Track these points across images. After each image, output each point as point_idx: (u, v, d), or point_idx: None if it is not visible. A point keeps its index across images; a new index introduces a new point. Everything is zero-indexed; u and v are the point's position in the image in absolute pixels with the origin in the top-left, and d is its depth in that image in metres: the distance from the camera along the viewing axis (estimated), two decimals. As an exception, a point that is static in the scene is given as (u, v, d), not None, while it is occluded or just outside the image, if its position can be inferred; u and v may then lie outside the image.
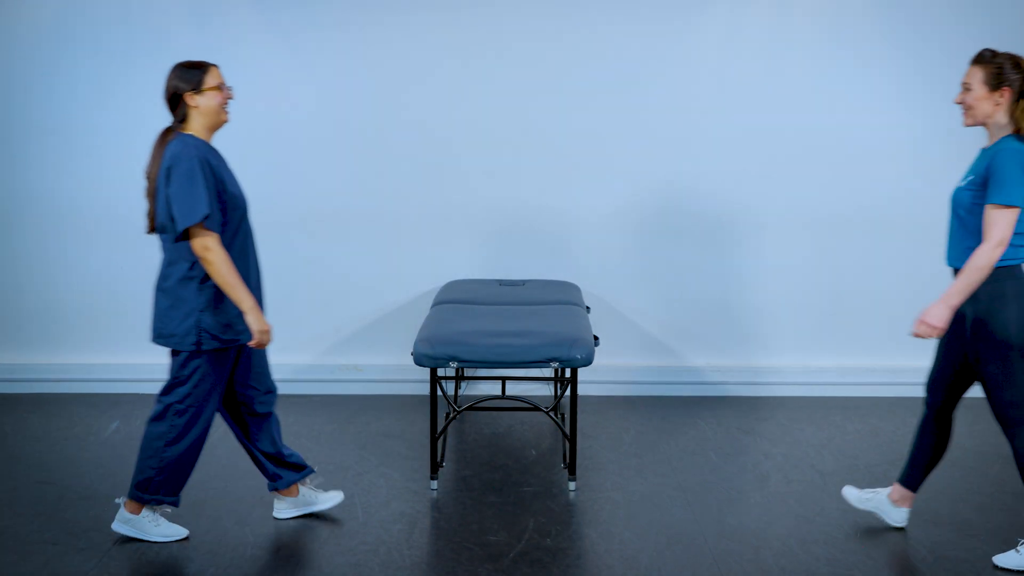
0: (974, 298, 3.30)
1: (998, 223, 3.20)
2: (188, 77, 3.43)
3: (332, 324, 5.41)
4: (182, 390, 3.46)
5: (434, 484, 4.09)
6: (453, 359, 3.93)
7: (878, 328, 5.42)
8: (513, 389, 5.24)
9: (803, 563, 3.47)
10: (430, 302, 5.10)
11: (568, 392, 4.18)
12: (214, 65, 3.48)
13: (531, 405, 4.18)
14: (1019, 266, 3.31)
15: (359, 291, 5.38)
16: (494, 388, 5.31)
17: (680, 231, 5.33)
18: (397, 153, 5.30)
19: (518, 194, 5.29)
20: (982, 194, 3.27)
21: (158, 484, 3.50)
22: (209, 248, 3.31)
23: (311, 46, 5.21)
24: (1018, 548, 3.44)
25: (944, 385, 3.53)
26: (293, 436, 4.69)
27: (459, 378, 5.09)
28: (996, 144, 3.30)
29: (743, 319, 5.39)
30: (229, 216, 3.42)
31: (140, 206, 5.30)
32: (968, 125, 3.39)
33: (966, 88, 3.34)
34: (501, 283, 5.08)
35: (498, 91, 5.24)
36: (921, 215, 5.33)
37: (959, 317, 3.37)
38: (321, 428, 4.82)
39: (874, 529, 3.73)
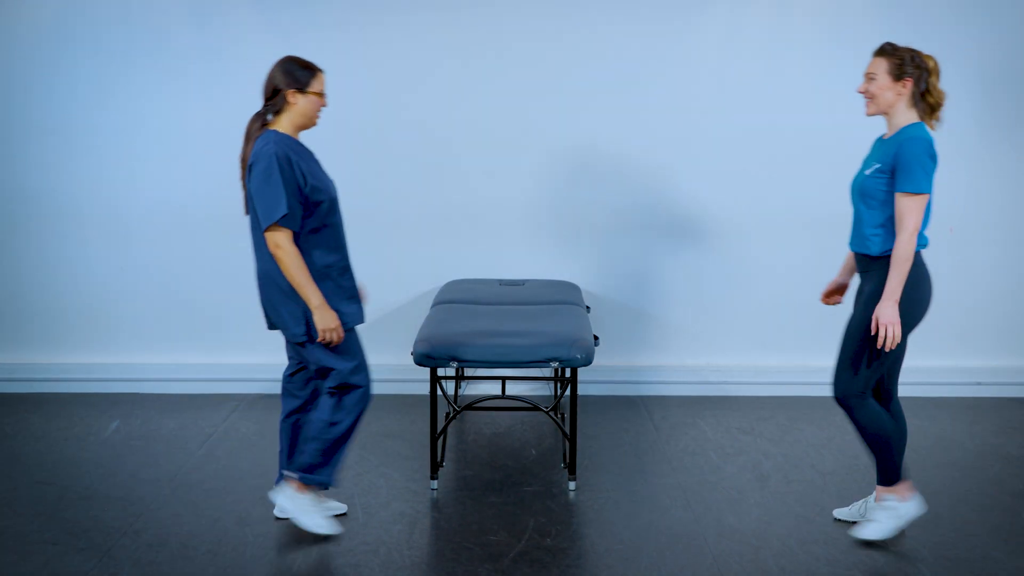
0: (868, 281, 3.49)
1: (911, 212, 3.34)
2: (298, 76, 3.48)
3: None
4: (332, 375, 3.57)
5: (434, 484, 4.09)
6: (453, 359, 3.93)
7: (878, 328, 5.42)
8: (513, 389, 5.24)
9: (803, 563, 3.48)
10: (430, 302, 5.11)
11: (568, 392, 4.18)
12: (322, 71, 3.54)
13: (531, 405, 4.18)
14: (918, 254, 3.45)
15: (359, 291, 5.38)
16: (494, 388, 5.31)
17: (680, 231, 5.33)
18: (397, 153, 5.30)
19: (518, 194, 5.29)
20: (888, 181, 3.40)
21: (318, 466, 3.58)
22: (280, 246, 3.38)
23: (311, 46, 5.20)
24: (874, 518, 3.59)
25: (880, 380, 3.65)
26: (293, 436, 4.70)
27: (459, 378, 5.09)
28: (900, 133, 3.42)
29: (743, 319, 5.39)
30: (313, 208, 3.45)
31: (139, 206, 5.32)
32: (870, 115, 3.51)
33: (870, 78, 3.46)
34: (501, 283, 5.08)
35: (498, 91, 5.24)
36: (921, 215, 5.34)
37: (859, 292, 3.56)
38: (321, 428, 4.82)
39: (874, 529, 3.74)
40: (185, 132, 5.24)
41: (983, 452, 4.56)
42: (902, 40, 5.16)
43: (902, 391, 5.34)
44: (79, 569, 3.39)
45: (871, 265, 3.52)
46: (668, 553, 3.55)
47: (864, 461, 4.42)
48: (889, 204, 3.43)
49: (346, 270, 3.62)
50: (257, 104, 5.20)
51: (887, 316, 3.36)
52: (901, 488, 3.62)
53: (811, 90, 5.25)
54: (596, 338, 4.23)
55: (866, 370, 3.51)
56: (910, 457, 4.49)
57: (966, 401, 5.33)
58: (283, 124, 3.51)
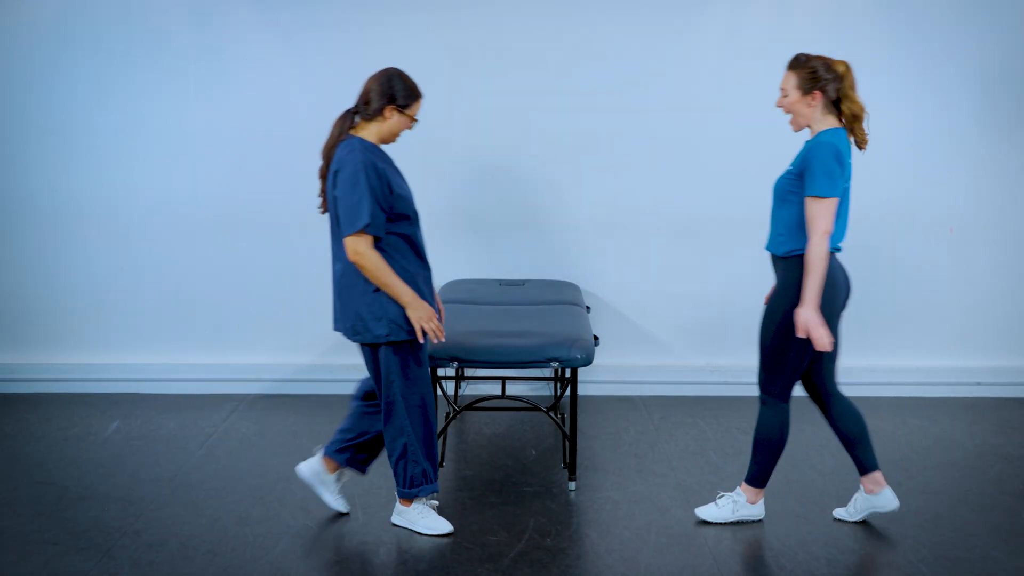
0: (779, 277, 3.52)
1: (821, 215, 3.35)
2: (401, 95, 3.50)
3: (332, 324, 5.40)
4: (392, 385, 3.55)
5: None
6: (453, 359, 3.93)
7: (878, 328, 5.42)
8: (513, 389, 5.24)
9: (803, 563, 3.48)
10: (430, 302, 5.10)
11: (568, 392, 4.18)
12: (422, 96, 3.57)
13: (531, 405, 4.18)
14: (831, 255, 3.47)
15: (359, 291, 5.38)
16: (494, 388, 5.31)
17: (680, 231, 5.33)
18: (397, 153, 5.27)
19: (518, 194, 5.29)
20: (798, 184, 3.42)
21: (413, 477, 3.60)
22: (360, 253, 3.38)
23: (311, 46, 5.21)
24: (716, 501, 3.75)
25: (807, 379, 3.74)
26: (292, 436, 4.70)
27: (459, 378, 5.09)
28: (813, 138, 3.44)
29: (743, 319, 5.37)
30: (397, 217, 3.46)
31: (139, 206, 5.33)
32: (797, 130, 3.53)
33: (783, 93, 3.47)
34: (501, 283, 5.08)
35: (498, 91, 5.24)
36: (921, 215, 5.34)
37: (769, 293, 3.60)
38: (321, 428, 4.82)
39: (874, 529, 3.74)
40: (185, 132, 5.24)
41: (983, 452, 4.56)
42: (902, 40, 5.22)
43: (903, 391, 5.39)
44: (79, 569, 3.38)
45: (777, 265, 3.58)
46: (668, 553, 3.55)
47: (864, 461, 4.42)
48: (796, 205, 3.45)
49: (428, 280, 3.60)
50: (258, 103, 5.24)
51: (804, 319, 3.39)
52: (754, 491, 3.72)
53: (811, 90, 5.25)
54: (596, 338, 4.23)
55: (777, 369, 3.56)
56: (911, 457, 4.49)
57: (966, 401, 5.33)
58: (370, 132, 3.51)
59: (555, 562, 3.47)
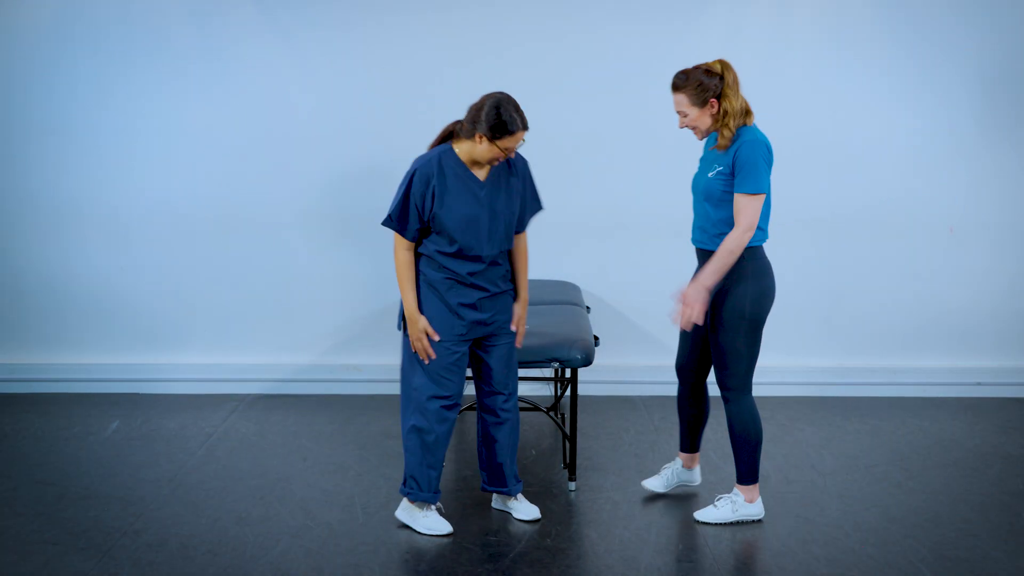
0: (725, 276, 3.58)
1: (747, 210, 3.50)
2: (491, 127, 3.49)
3: (332, 324, 5.42)
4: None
5: (434, 484, 4.09)
6: (453, 359, 3.92)
7: (878, 328, 5.42)
8: (513, 389, 5.24)
9: (803, 563, 3.48)
10: (430, 302, 5.10)
11: (568, 392, 4.17)
12: (521, 130, 3.54)
13: (531, 405, 4.18)
14: (759, 248, 3.62)
15: (359, 291, 5.38)
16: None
17: (680, 231, 5.30)
18: (397, 153, 5.28)
19: (518, 194, 5.29)
20: (731, 182, 3.55)
21: (406, 478, 3.68)
22: (395, 248, 3.61)
23: (311, 46, 5.21)
24: (716, 503, 3.79)
25: (694, 362, 3.84)
26: (292, 436, 4.70)
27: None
28: (737, 137, 3.57)
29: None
30: (438, 233, 3.57)
31: (139, 206, 5.32)
32: (703, 139, 3.69)
33: (682, 115, 3.61)
34: (501, 283, 5.07)
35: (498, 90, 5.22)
36: (921, 215, 5.34)
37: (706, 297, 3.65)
38: (321, 428, 4.82)
39: (874, 529, 3.74)
40: (185, 132, 5.24)
41: (983, 452, 4.56)
42: (903, 40, 5.22)
43: (902, 391, 5.39)
44: (79, 569, 3.38)
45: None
46: (668, 553, 3.55)
47: (864, 461, 4.42)
48: (732, 203, 3.57)
49: (454, 286, 3.59)
50: (258, 103, 5.24)
51: (692, 298, 3.51)
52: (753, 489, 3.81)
53: (811, 90, 5.25)
54: (596, 338, 4.23)
55: (739, 362, 3.63)
56: (911, 457, 4.49)
57: (966, 401, 5.33)
58: (463, 148, 3.59)
59: (555, 562, 3.47)
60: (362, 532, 3.69)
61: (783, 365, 5.42)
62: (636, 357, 5.43)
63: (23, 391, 5.32)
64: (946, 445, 4.65)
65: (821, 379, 5.42)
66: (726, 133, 3.56)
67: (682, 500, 3.98)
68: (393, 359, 5.34)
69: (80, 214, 5.28)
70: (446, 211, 3.52)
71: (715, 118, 3.58)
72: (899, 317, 5.43)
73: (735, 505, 3.77)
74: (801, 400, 5.32)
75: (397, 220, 3.55)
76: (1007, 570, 3.44)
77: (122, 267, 5.32)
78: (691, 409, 3.92)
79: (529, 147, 5.27)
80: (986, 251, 5.37)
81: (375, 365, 5.41)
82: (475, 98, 5.25)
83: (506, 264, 3.70)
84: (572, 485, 4.08)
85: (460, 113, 5.28)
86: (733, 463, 3.97)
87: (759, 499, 3.80)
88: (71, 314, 5.36)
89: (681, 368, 3.90)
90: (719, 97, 3.56)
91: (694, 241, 3.74)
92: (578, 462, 4.34)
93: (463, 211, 3.54)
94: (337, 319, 5.41)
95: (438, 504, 3.75)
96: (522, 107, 5.43)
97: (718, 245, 3.58)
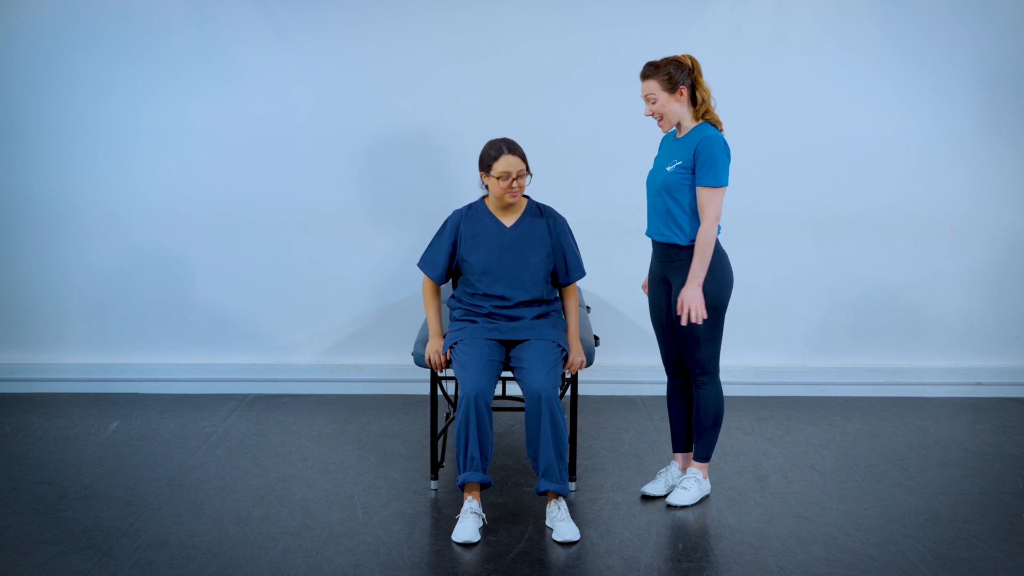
0: (679, 270, 3.77)
1: (712, 203, 3.66)
2: (484, 159, 3.87)
3: (332, 324, 5.42)
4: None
5: (434, 484, 4.09)
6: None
7: (878, 328, 5.42)
8: (513, 389, 5.24)
9: (803, 563, 3.48)
10: (430, 302, 5.10)
11: (568, 392, 4.18)
12: (510, 155, 3.82)
13: (531, 405, 4.18)
14: (715, 240, 3.73)
15: (359, 291, 5.38)
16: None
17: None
18: (397, 153, 5.30)
19: (518, 194, 5.29)
20: (691, 176, 3.70)
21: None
22: (422, 287, 4.03)
23: (311, 46, 5.21)
24: (683, 485, 3.93)
25: (679, 352, 3.96)
26: (293, 436, 4.70)
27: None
28: (694, 132, 3.73)
29: (743, 319, 5.38)
30: (464, 276, 3.97)
31: (139, 206, 5.32)
32: (667, 130, 3.83)
33: (650, 100, 3.76)
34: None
35: (498, 91, 5.24)
36: (921, 215, 5.34)
37: (667, 289, 3.89)
38: (321, 428, 4.82)
39: (874, 529, 3.74)
40: (185, 132, 5.24)
41: (983, 452, 4.56)
42: (904, 40, 5.22)
43: (902, 391, 5.39)
44: (79, 569, 3.38)
45: (678, 254, 3.78)
46: (668, 553, 3.55)
47: (864, 461, 4.42)
48: (693, 196, 3.72)
49: (480, 326, 3.91)
50: (258, 103, 5.24)
51: (691, 299, 3.67)
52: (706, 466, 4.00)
53: (812, 91, 5.25)
54: (596, 338, 4.23)
55: (713, 347, 3.81)
56: (911, 457, 4.49)
57: (966, 401, 5.33)
58: (489, 197, 3.95)
59: (555, 562, 3.47)
60: (362, 532, 3.69)
61: (783, 365, 5.43)
62: (636, 357, 5.43)
63: (23, 391, 5.32)
64: (946, 445, 4.65)
65: (821, 379, 5.42)
66: (699, 118, 3.76)
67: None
68: (394, 359, 5.36)
69: (80, 214, 5.28)
70: (471, 255, 3.90)
71: (682, 107, 3.74)
72: (899, 317, 5.43)
73: (699, 483, 3.96)
74: (801, 400, 5.32)
75: (425, 261, 3.98)
76: (1007, 570, 3.44)
77: (122, 267, 5.32)
78: (682, 400, 4.04)
79: (529, 147, 5.29)
80: (986, 251, 5.38)
81: (375, 365, 5.41)
82: (474, 97, 5.30)
83: (537, 307, 3.95)
84: (572, 485, 4.08)
85: (460, 112, 5.32)
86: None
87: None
88: (71, 314, 5.37)
89: (668, 359, 4.02)
90: (692, 86, 3.74)
91: (651, 234, 3.89)
92: (578, 462, 4.34)
93: (486, 248, 3.89)
94: (337, 319, 5.41)
95: (479, 511, 3.74)
96: (522, 107, 5.46)
97: (676, 237, 3.75)
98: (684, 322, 3.69)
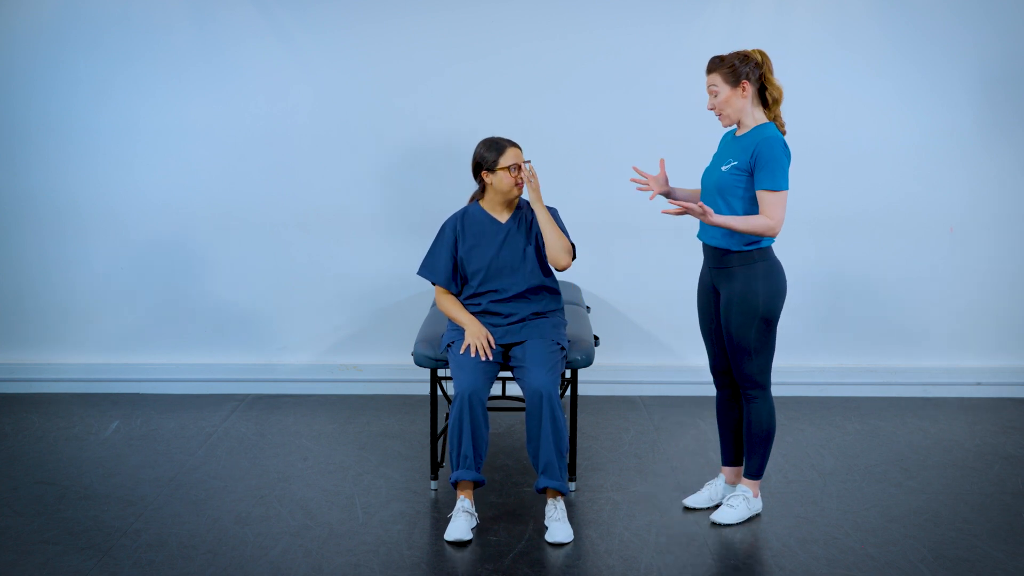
0: (729, 277, 3.63)
1: (776, 206, 3.52)
2: (484, 158, 3.90)
3: (332, 324, 5.42)
4: None
5: (434, 484, 4.09)
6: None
7: (878, 328, 5.42)
8: (513, 389, 5.24)
9: (803, 563, 3.48)
10: (430, 302, 5.10)
11: (568, 392, 4.18)
12: (513, 145, 3.89)
13: (531, 405, 4.18)
14: (770, 248, 3.64)
15: (359, 291, 5.38)
16: (494, 388, 5.30)
17: (681, 230, 5.33)
18: (397, 153, 5.30)
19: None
20: (747, 179, 3.57)
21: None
22: (435, 298, 4.06)
23: (311, 46, 5.21)
24: (729, 503, 3.79)
25: (726, 362, 3.84)
26: (293, 436, 4.70)
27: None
28: (754, 133, 3.59)
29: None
30: (468, 279, 3.99)
31: (139, 206, 5.32)
32: (727, 126, 3.68)
33: (713, 94, 3.62)
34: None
35: (498, 91, 5.24)
36: (922, 216, 5.34)
37: (716, 298, 3.74)
38: (321, 428, 4.82)
39: (874, 529, 3.74)
40: (185, 132, 5.24)
41: (983, 452, 4.56)
42: (904, 41, 5.22)
43: (902, 391, 5.39)
44: (79, 569, 3.38)
45: (730, 260, 3.64)
46: (668, 553, 3.55)
47: (864, 461, 4.42)
48: (747, 200, 3.59)
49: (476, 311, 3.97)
50: (258, 103, 5.24)
51: (711, 215, 3.47)
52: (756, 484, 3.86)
53: (812, 91, 5.25)
54: (596, 338, 4.23)
55: (765, 359, 3.68)
56: (911, 457, 4.49)
57: (966, 401, 5.33)
58: (486, 200, 3.98)
59: (555, 562, 3.47)
60: (362, 532, 3.69)
61: (783, 365, 5.42)
62: (636, 357, 5.43)
63: (23, 391, 5.32)
64: (946, 445, 4.65)
65: (821, 379, 5.42)
66: (771, 118, 3.62)
67: (681, 500, 3.98)
68: (394, 359, 5.36)
69: (80, 214, 5.28)
70: (469, 258, 3.93)
71: (744, 102, 3.59)
72: (899, 317, 5.43)
73: (748, 502, 3.80)
74: (801, 400, 5.32)
75: (425, 268, 4.01)
76: (1007, 570, 3.44)
77: (122, 267, 5.32)
78: (732, 412, 3.89)
79: (530, 147, 5.30)
80: (986, 251, 5.37)
81: (375, 365, 5.41)
82: (474, 97, 5.29)
83: (536, 301, 3.97)
84: (572, 485, 4.08)
85: (460, 112, 5.32)
86: (749, 466, 3.97)
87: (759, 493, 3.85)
88: (71, 314, 5.36)
89: (716, 370, 3.89)
90: (761, 84, 3.59)
91: (702, 236, 3.73)
92: (578, 462, 4.34)
93: (488, 248, 3.93)
94: (337, 319, 5.41)
95: (471, 511, 3.74)
96: (522, 107, 5.46)
97: (725, 240, 3.60)
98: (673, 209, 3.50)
